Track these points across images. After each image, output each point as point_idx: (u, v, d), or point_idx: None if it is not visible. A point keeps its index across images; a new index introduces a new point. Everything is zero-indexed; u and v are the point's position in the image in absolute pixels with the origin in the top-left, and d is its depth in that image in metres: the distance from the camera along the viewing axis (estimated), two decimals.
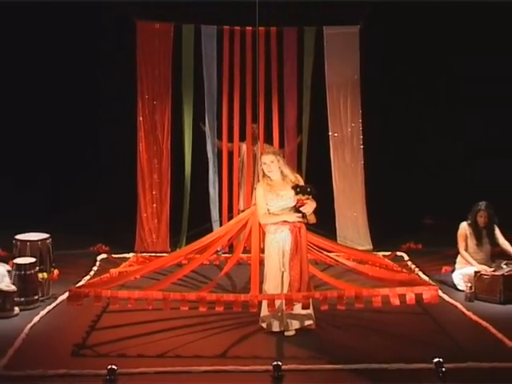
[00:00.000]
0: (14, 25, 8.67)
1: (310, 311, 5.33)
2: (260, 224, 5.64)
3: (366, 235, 8.37)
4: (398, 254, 7.90)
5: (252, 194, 8.09)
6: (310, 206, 5.21)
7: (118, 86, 8.60)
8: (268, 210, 5.32)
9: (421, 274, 7.02)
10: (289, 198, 5.28)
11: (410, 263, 7.49)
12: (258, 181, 5.66)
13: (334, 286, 5.74)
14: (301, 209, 5.20)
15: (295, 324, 5.35)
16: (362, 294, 5.13)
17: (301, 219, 5.24)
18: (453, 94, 9.23)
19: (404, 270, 6.40)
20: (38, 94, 8.98)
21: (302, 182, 5.37)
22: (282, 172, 5.34)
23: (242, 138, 8.30)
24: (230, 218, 7.66)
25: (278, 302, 5.20)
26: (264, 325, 5.40)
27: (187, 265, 6.32)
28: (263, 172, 5.37)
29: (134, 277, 6.11)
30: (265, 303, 5.29)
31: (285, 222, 5.27)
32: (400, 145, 9.22)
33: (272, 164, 5.31)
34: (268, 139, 8.16)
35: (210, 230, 7.83)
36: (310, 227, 5.58)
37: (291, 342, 5.24)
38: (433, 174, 9.26)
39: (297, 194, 5.22)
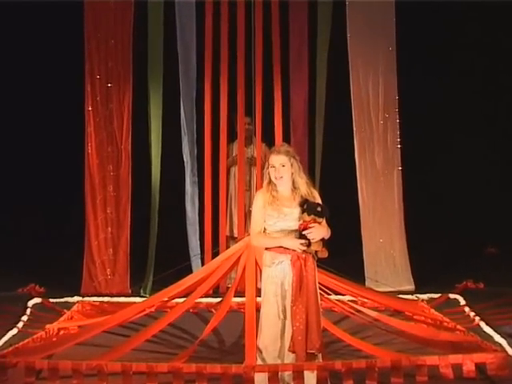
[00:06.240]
0: None
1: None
2: (256, 261, 5.62)
3: (406, 270, 8.42)
4: (451, 296, 7.90)
5: (246, 214, 8.12)
6: (316, 232, 5.12)
7: (56, 61, 8.68)
8: (264, 228, 5.31)
9: (483, 324, 7.02)
10: (294, 218, 5.23)
11: (467, 309, 7.47)
12: (254, 195, 5.65)
13: (360, 350, 5.76)
14: (304, 232, 5.15)
15: None
16: (401, 363, 5.15)
17: (305, 248, 5.20)
18: None
19: (458, 327, 6.44)
20: None
21: (317, 200, 5.33)
22: (293, 182, 5.33)
23: (232, 137, 8.34)
24: (216, 253, 7.69)
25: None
26: None
27: (158, 320, 6.35)
28: (269, 177, 5.35)
29: (79, 340, 6.08)
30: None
31: (284, 249, 5.24)
32: (453, 145, 9.22)
33: (283, 169, 5.25)
34: (267, 137, 8.19)
35: (189, 268, 7.90)
36: (322, 262, 5.52)
37: None
38: (499, 188, 9.26)
39: (303, 212, 5.19)
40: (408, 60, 8.56)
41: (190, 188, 8.36)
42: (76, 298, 7.81)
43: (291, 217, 5.21)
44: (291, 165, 5.27)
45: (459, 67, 9.31)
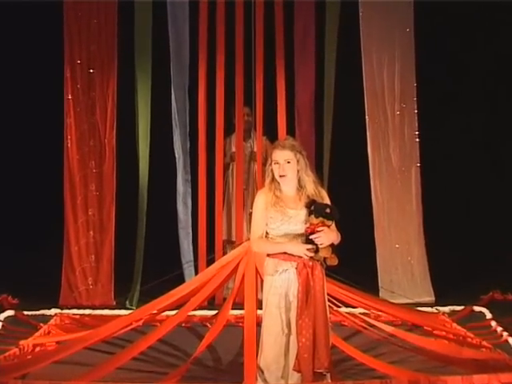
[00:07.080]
0: None
1: None
2: (257, 269, 5.59)
3: (425, 280, 8.44)
4: (476, 309, 7.89)
5: (245, 216, 8.17)
6: (325, 236, 5.12)
7: (31, 44, 8.69)
8: (266, 232, 5.31)
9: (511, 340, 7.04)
10: (299, 221, 5.24)
11: (494, 324, 7.46)
12: (254, 195, 5.64)
13: (373, 369, 5.77)
14: (311, 237, 5.15)
15: None
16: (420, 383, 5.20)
17: (312, 254, 5.20)
18: None
19: (484, 343, 6.44)
20: None
21: (326, 201, 5.33)
22: (299, 180, 5.32)
23: (229, 130, 8.35)
24: (212, 260, 7.68)
25: None
26: None
27: (146, 335, 6.33)
28: (272, 175, 5.34)
29: (57, 358, 6.06)
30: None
31: (288, 255, 5.24)
32: (478, 140, 9.22)
33: (288, 165, 5.25)
34: (269, 130, 8.20)
35: (181, 277, 7.93)
36: (331, 271, 5.53)
37: None
38: None
39: (310, 214, 5.18)
40: (428, 42, 8.53)
41: (181, 187, 8.38)
42: (54, 311, 7.79)
43: (296, 219, 5.20)
44: (297, 161, 5.26)
45: (487, 52, 9.28)
